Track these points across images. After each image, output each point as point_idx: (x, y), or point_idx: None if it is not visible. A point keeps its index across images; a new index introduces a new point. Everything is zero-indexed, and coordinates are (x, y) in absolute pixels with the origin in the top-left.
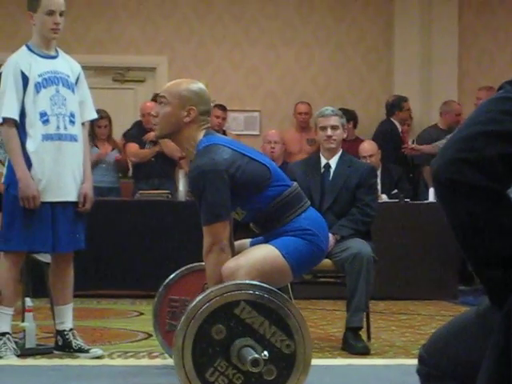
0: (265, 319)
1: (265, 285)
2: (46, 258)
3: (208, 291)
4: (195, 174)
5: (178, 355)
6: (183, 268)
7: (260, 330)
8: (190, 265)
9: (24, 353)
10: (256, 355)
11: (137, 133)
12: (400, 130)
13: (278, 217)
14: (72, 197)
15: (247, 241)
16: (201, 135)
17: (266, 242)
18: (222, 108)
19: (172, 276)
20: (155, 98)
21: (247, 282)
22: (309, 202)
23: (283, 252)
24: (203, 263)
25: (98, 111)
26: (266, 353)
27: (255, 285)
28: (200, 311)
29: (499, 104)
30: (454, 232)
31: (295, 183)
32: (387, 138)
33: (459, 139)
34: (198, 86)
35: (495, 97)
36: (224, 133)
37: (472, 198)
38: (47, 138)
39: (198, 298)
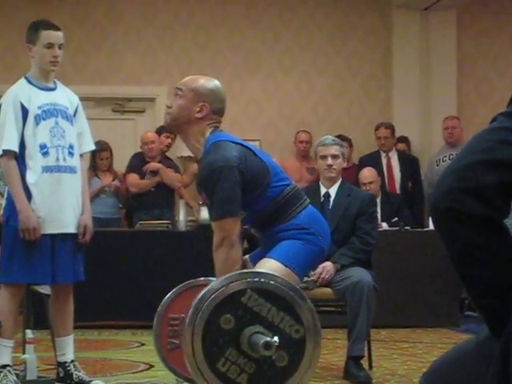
0: (272, 306)
1: (269, 272)
2: (46, 289)
3: (213, 283)
4: (207, 171)
5: (188, 349)
6: (179, 286)
7: (268, 317)
8: (186, 282)
9: None
10: (268, 338)
11: (137, 163)
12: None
13: (278, 216)
14: (71, 228)
15: (247, 257)
16: (208, 133)
17: (264, 253)
18: None
19: (169, 295)
20: (159, 130)
21: (251, 270)
22: (308, 200)
23: (284, 261)
24: (200, 279)
25: (100, 142)
26: (276, 339)
27: (260, 272)
28: (207, 303)
29: (495, 134)
30: (451, 261)
31: (293, 182)
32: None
33: (457, 169)
34: (215, 83)
35: (490, 127)
36: None
37: (470, 227)
38: (47, 170)
39: (203, 291)
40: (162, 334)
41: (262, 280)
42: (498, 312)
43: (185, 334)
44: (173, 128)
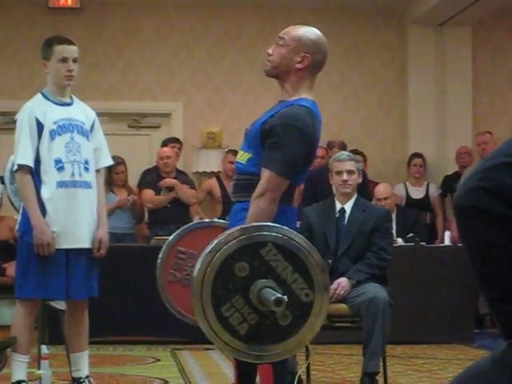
0: (289, 264)
1: (294, 231)
2: (61, 305)
3: (238, 227)
4: (293, 121)
5: (197, 285)
6: (195, 222)
7: (282, 275)
8: (203, 220)
9: None
10: (279, 295)
11: (152, 179)
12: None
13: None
14: (86, 243)
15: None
16: (305, 88)
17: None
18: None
19: (184, 227)
20: (165, 143)
21: (277, 225)
22: (295, 204)
23: None
24: (216, 220)
25: (115, 157)
26: (285, 297)
27: (285, 229)
28: (226, 246)
29: None
30: (472, 263)
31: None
32: None
33: (481, 170)
34: (318, 35)
35: None
36: None
37: (490, 226)
38: (62, 185)
39: (226, 233)
40: (168, 263)
41: (285, 237)
42: None
43: (199, 267)
44: (272, 76)
